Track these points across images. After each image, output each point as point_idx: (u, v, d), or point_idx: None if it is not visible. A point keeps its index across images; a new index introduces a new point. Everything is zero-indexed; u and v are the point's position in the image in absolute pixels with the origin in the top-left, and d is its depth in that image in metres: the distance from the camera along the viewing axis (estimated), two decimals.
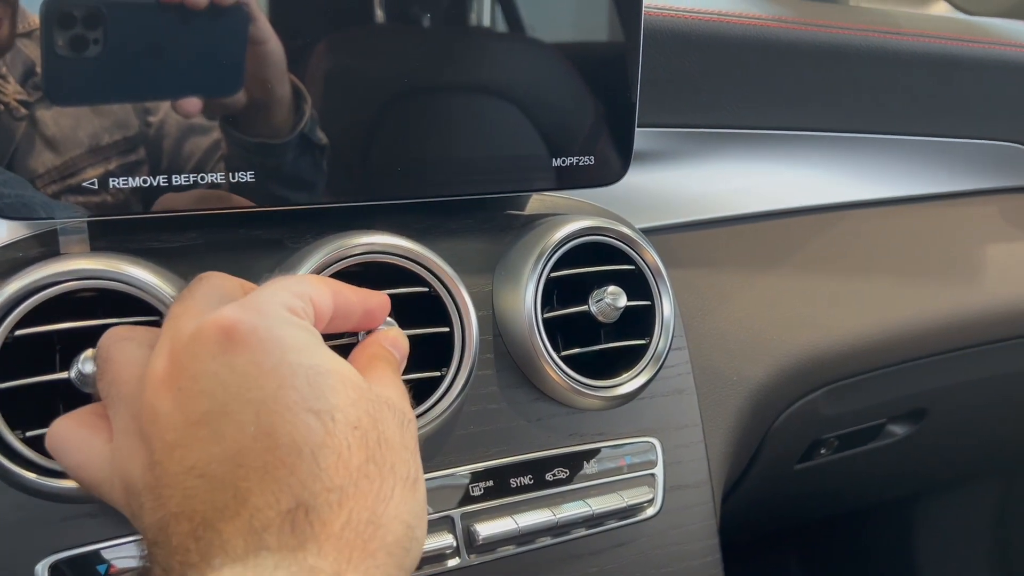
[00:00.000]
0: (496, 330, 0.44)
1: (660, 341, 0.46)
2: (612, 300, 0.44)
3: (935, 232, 0.69)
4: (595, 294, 0.44)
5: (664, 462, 0.48)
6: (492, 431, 0.44)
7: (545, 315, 0.44)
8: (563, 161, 0.45)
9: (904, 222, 0.69)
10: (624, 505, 0.45)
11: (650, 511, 0.47)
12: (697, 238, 0.61)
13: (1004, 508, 1.09)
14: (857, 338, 0.61)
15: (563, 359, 0.44)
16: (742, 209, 0.63)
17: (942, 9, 1.03)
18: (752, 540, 1.08)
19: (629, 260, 0.46)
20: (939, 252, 0.68)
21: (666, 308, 0.47)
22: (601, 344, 0.45)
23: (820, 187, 0.67)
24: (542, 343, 0.43)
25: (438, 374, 0.40)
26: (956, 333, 0.66)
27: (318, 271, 0.38)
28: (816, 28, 0.63)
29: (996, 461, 0.99)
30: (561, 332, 0.45)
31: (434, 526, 0.41)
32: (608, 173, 0.46)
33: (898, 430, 0.72)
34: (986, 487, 1.11)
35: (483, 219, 0.47)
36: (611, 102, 0.45)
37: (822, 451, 0.69)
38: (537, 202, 0.50)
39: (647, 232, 0.58)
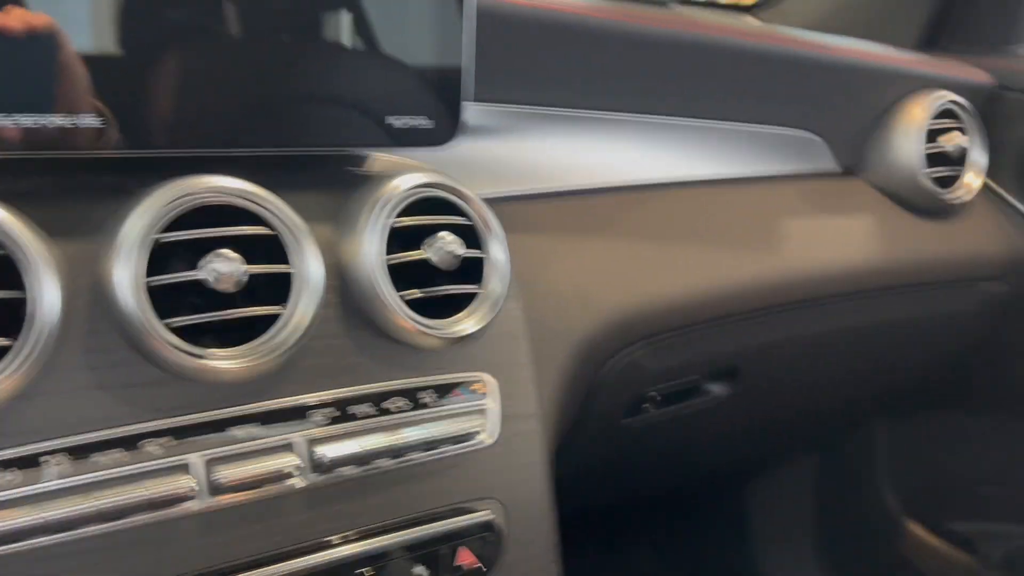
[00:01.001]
0: (341, 275, 0.48)
1: (495, 286, 0.51)
2: (449, 247, 0.49)
3: (742, 209, 0.78)
4: (428, 240, 0.49)
5: (498, 395, 0.53)
6: (336, 365, 0.47)
7: (388, 261, 0.48)
8: (396, 120, 0.49)
9: (715, 200, 0.77)
10: (459, 432, 0.50)
11: (485, 439, 0.51)
12: (529, 208, 0.66)
13: (822, 483, 1.21)
14: (670, 297, 0.68)
15: (405, 302, 0.48)
16: (572, 184, 0.70)
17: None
18: (603, 512, 1.15)
19: (464, 214, 0.51)
20: (744, 226, 0.76)
21: (499, 256, 0.52)
22: (435, 288, 0.50)
23: (644, 166, 0.75)
24: (384, 286, 0.47)
25: (281, 310, 0.44)
26: (757, 296, 0.74)
27: (162, 212, 0.41)
28: (634, 20, 0.71)
29: (812, 430, 1.10)
30: (404, 279, 0.49)
31: (281, 449, 0.44)
32: (439, 134, 0.51)
33: (715, 389, 0.80)
34: (809, 462, 1.22)
35: (326, 174, 0.51)
36: (441, 67, 0.50)
37: (646, 406, 0.76)
38: (379, 163, 0.54)
39: (489, 200, 0.63)
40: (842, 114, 0.86)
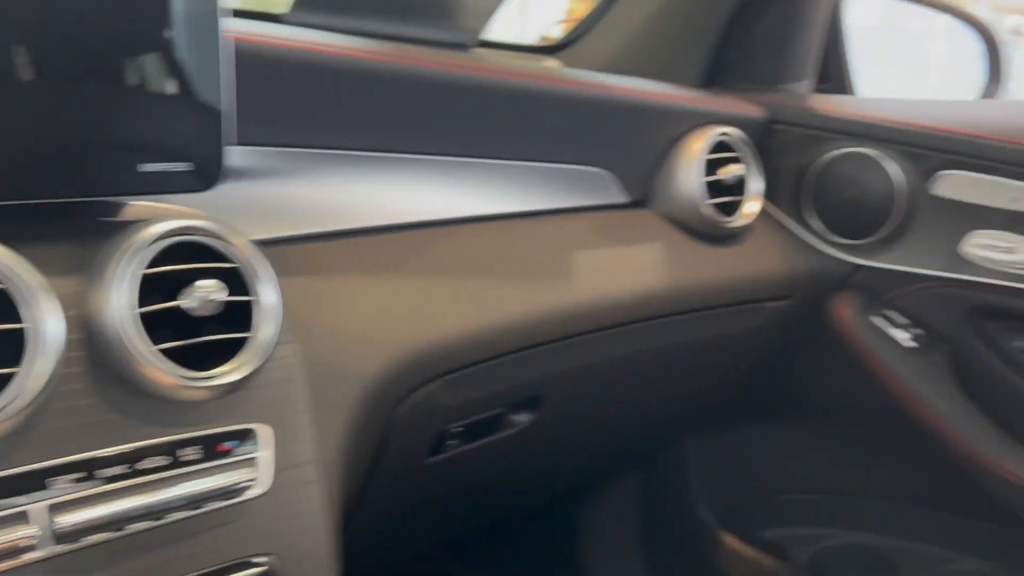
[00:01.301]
0: (90, 328, 0.46)
1: (265, 332, 0.50)
2: (206, 294, 0.47)
3: (536, 242, 0.80)
4: (184, 290, 0.47)
5: (272, 444, 0.51)
6: (84, 425, 0.45)
7: (139, 311, 0.46)
8: (154, 166, 0.48)
9: (510, 234, 0.79)
10: (226, 485, 0.48)
11: (256, 490, 0.50)
12: (314, 249, 0.66)
13: (644, 501, 1.25)
14: (465, 332, 0.69)
15: (165, 353, 0.46)
16: (361, 223, 0.70)
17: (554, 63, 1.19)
18: (427, 551, 1.14)
19: (227, 258, 0.50)
20: (538, 259, 0.79)
21: (269, 300, 0.51)
22: (203, 337, 0.48)
23: (438, 204, 0.76)
24: (134, 338, 0.45)
25: (15, 370, 0.41)
26: (553, 325, 0.76)
27: None
28: (420, 63, 0.72)
29: (626, 451, 1.14)
30: (171, 329, 0.47)
31: (14, 520, 0.41)
32: (200, 178, 0.50)
33: (520, 419, 0.81)
34: (632, 482, 1.26)
35: (78, 224, 0.48)
36: (200, 110, 0.48)
37: (450, 443, 0.76)
38: (137, 210, 0.52)
39: (265, 243, 0.62)
40: (629, 150, 0.90)
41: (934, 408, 0.92)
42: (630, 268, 0.85)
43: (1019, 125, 0.90)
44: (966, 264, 0.93)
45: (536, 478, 1.01)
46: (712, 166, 0.92)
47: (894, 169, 0.95)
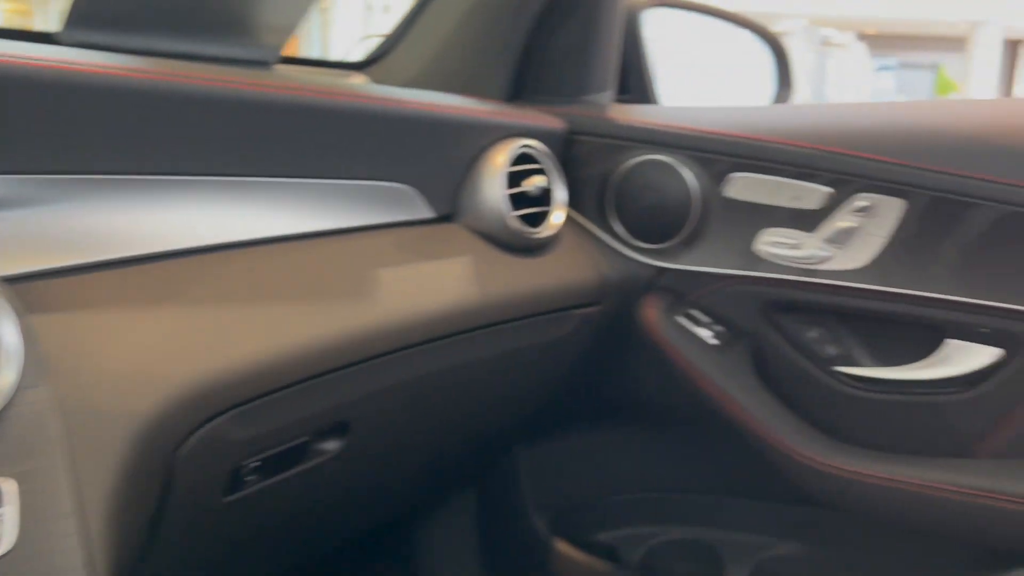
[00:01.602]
0: None
1: (5, 376, 0.46)
2: None
3: (335, 261, 0.78)
4: None
5: (17, 499, 0.46)
6: None
7: None
8: None
9: (306, 254, 0.76)
10: None
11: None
12: (79, 282, 0.61)
13: (481, 516, 1.24)
14: (257, 360, 0.66)
15: None
16: (136, 251, 0.66)
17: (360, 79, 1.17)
18: None
19: None
20: (338, 278, 0.76)
21: (7, 341, 0.46)
22: None
23: (224, 227, 0.72)
24: None
25: None
26: (356, 347, 0.74)
27: None
28: (190, 80, 0.69)
29: (455, 466, 1.13)
30: None
31: None
32: None
33: (327, 447, 0.79)
34: (469, 497, 1.25)
35: None
36: None
37: (249, 478, 0.72)
38: None
39: (14, 279, 0.57)
40: (432, 165, 0.90)
41: (739, 402, 0.96)
42: (437, 283, 0.84)
43: (795, 128, 0.96)
44: (759, 261, 0.97)
45: (357, 505, 0.98)
46: (516, 178, 0.93)
47: (689, 174, 0.99)
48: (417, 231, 0.88)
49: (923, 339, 0.93)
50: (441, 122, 0.89)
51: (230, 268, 0.70)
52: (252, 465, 0.72)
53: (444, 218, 0.92)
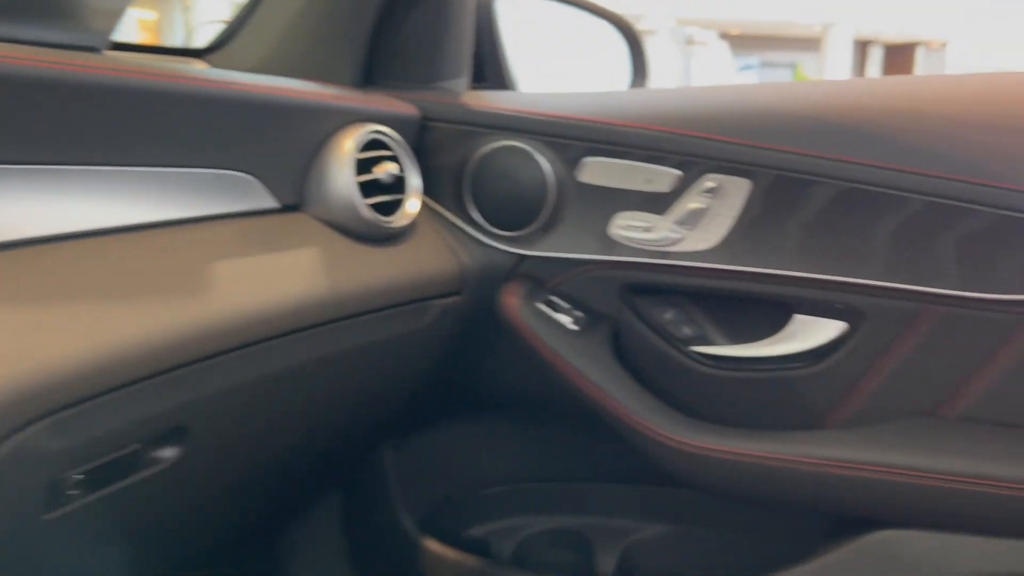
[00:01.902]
0: None
1: None
2: None
3: (167, 254, 0.72)
4: None
5: None
6: None
7: None
8: None
9: (134, 248, 0.71)
10: None
11: None
12: None
13: (348, 517, 1.20)
14: (73, 362, 0.60)
15: None
16: None
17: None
18: None
19: None
20: (170, 272, 0.71)
21: None
22: None
23: (37, 219, 0.66)
24: None
25: None
26: (190, 345, 0.69)
27: None
28: (26, 63, 0.62)
29: (315, 468, 1.08)
30: None
31: None
32: None
33: (163, 454, 0.73)
34: (334, 500, 1.21)
35: None
36: None
37: (72, 492, 0.66)
38: None
39: None
40: (273, 152, 0.85)
41: (599, 385, 0.96)
42: (281, 275, 0.80)
43: (644, 111, 0.96)
44: (615, 245, 0.98)
45: (206, 515, 0.92)
46: (366, 165, 0.90)
47: (544, 159, 0.98)
48: (259, 221, 0.84)
49: (773, 316, 0.95)
50: (281, 106, 0.85)
51: (50, 263, 0.64)
52: (75, 478, 0.66)
53: (290, 208, 0.88)
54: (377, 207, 0.90)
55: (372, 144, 0.91)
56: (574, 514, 1.14)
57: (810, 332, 0.93)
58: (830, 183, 0.88)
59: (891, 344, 0.89)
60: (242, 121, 0.81)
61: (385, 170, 0.91)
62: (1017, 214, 0.82)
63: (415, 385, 1.05)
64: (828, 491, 0.89)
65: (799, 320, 0.94)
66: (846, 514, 0.92)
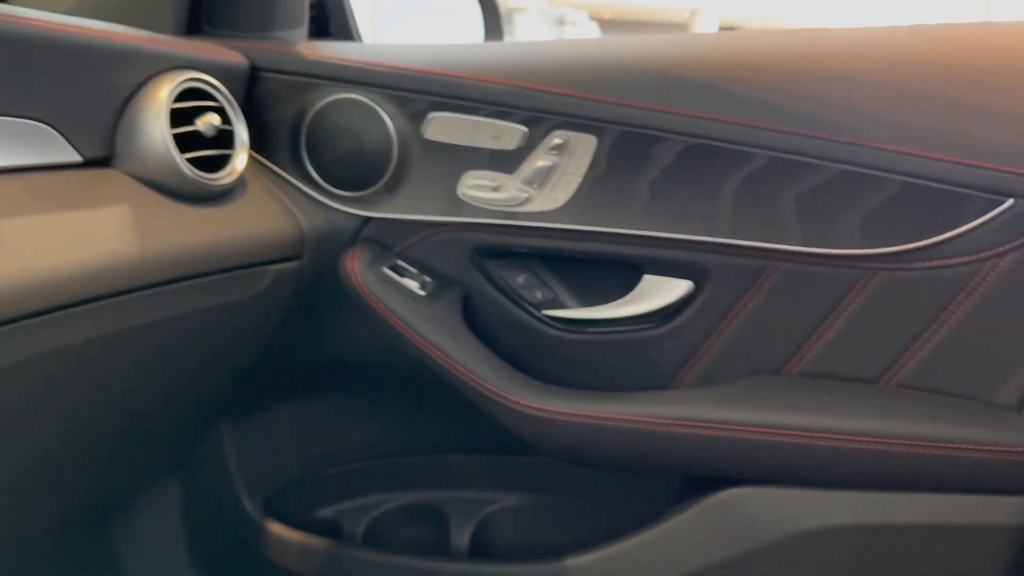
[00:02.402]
0: None
1: None
2: None
3: None
4: None
5: None
6: None
7: None
8: None
9: None
10: None
11: None
12: None
13: (188, 503, 1.12)
14: None
15: None
16: None
17: None
18: None
19: None
20: None
21: None
22: None
23: None
24: None
25: None
26: None
27: None
28: None
29: (141, 448, 0.99)
30: None
31: None
32: None
33: None
34: (172, 484, 1.12)
35: None
36: None
37: None
38: None
39: None
40: (75, 100, 0.76)
41: (449, 353, 0.91)
42: (82, 236, 0.71)
43: (491, 64, 0.92)
44: (463, 206, 0.93)
45: (18, 502, 0.83)
46: (187, 117, 0.82)
47: (386, 114, 0.93)
48: (59, 176, 0.74)
49: (624, 277, 0.93)
50: (82, 48, 0.76)
51: None
52: None
53: (99, 163, 0.79)
54: (200, 163, 0.82)
55: (191, 94, 0.83)
56: (428, 488, 1.10)
57: (659, 292, 0.92)
58: (675, 138, 0.86)
59: (737, 302, 0.89)
60: (36, 63, 0.72)
61: (206, 121, 0.83)
62: (857, 168, 0.83)
63: (252, 357, 0.98)
64: (678, 451, 0.88)
65: (648, 280, 0.92)
66: (696, 473, 0.92)
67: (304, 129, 0.94)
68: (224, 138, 0.86)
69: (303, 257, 0.93)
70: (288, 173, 0.95)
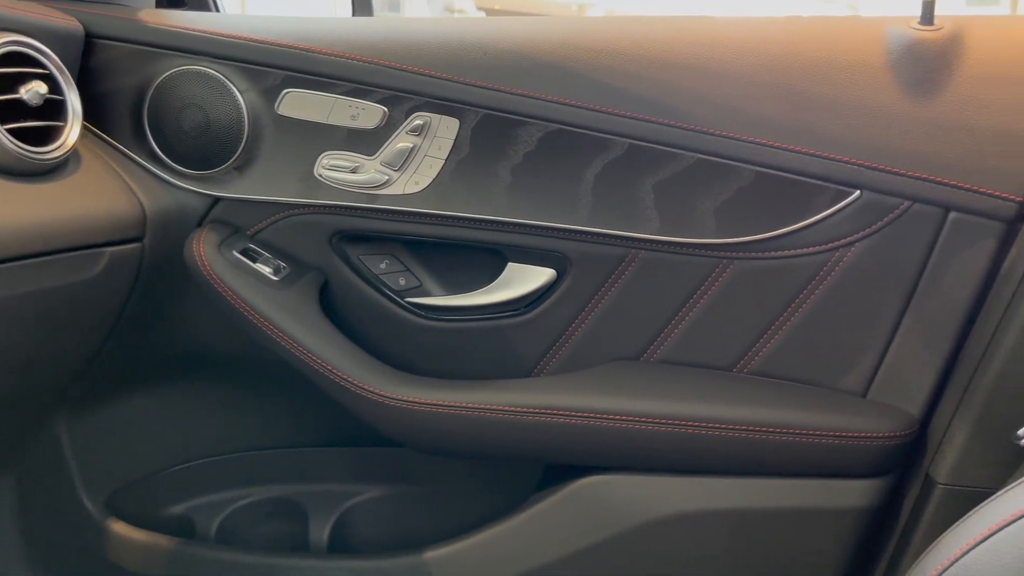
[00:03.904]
0: None
1: None
2: None
3: None
4: None
5: None
6: None
7: None
8: None
9: None
10: None
11: None
12: None
13: (25, 503, 1.03)
14: None
15: None
16: None
17: None
18: None
19: None
20: None
21: None
22: None
23: None
24: None
25: None
26: None
27: None
28: None
29: None
30: None
31: None
32: None
33: None
34: (5, 483, 1.03)
35: None
36: None
37: None
38: None
39: None
40: None
41: (302, 342, 0.87)
42: None
43: (351, 40, 0.88)
44: (321, 187, 0.89)
45: None
46: (8, 84, 0.75)
47: (238, 88, 0.88)
48: None
49: (489, 263, 0.92)
50: None
51: None
52: None
53: None
54: (26, 136, 0.75)
55: (13, 59, 0.76)
56: (286, 482, 1.05)
57: (521, 280, 0.90)
58: (537, 124, 0.85)
59: (598, 290, 0.88)
60: None
61: (31, 89, 0.76)
62: (713, 158, 0.84)
63: (91, 346, 0.91)
64: (538, 439, 0.87)
65: (512, 268, 0.91)
66: (556, 461, 0.91)
67: (146, 102, 0.88)
68: (54, 109, 0.79)
69: (145, 239, 0.87)
70: (129, 149, 0.89)
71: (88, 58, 0.87)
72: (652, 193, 0.85)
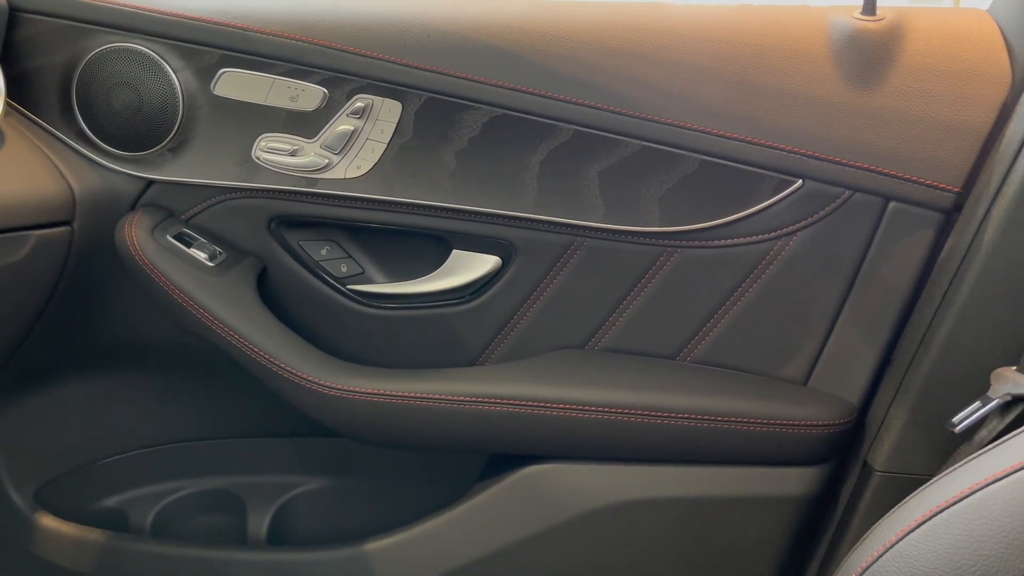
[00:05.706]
0: None
1: None
2: None
3: None
4: None
5: None
6: None
7: None
8: None
9: None
10: None
11: None
12: None
13: None
14: None
15: None
16: None
17: None
18: None
19: None
20: None
21: None
22: None
23: None
24: None
25: None
26: None
27: None
28: None
29: None
30: None
31: None
32: None
33: None
34: None
35: None
36: None
37: None
38: None
39: None
40: None
41: (240, 332, 0.85)
42: None
43: (290, 18, 0.85)
44: (259, 170, 0.87)
45: None
46: None
47: (172, 67, 0.85)
48: None
49: (434, 251, 0.90)
50: None
51: None
52: None
53: None
54: None
55: None
56: (223, 474, 1.03)
57: (466, 267, 0.89)
58: (481, 108, 0.84)
59: (543, 278, 0.88)
60: None
61: None
62: (657, 145, 0.83)
63: (17, 333, 0.88)
64: (481, 429, 0.86)
65: (457, 255, 0.89)
66: (499, 450, 0.90)
67: (75, 80, 0.85)
68: None
69: (74, 223, 0.84)
70: (57, 129, 0.86)
71: (13, 32, 0.83)
72: (597, 180, 0.84)
